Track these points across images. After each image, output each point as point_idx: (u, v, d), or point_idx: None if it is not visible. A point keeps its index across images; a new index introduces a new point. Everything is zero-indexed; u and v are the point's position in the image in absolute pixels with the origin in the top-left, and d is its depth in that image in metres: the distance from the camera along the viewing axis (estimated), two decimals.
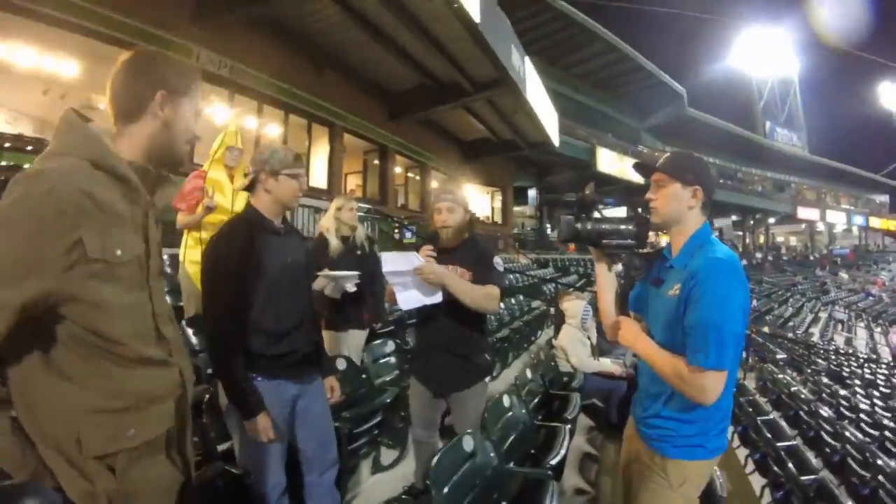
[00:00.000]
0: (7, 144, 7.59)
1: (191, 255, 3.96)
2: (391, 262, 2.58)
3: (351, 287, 3.46)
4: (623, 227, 1.94)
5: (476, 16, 10.47)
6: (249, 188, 2.30)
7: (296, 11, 10.84)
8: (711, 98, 44.48)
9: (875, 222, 55.33)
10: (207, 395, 2.65)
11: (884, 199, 58.87)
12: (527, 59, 15.46)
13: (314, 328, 2.44)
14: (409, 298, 2.62)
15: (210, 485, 2.07)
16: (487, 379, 2.90)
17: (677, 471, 1.86)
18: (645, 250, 2.00)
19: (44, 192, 1.11)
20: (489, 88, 13.91)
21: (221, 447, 2.53)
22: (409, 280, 2.59)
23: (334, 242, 3.75)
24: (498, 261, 2.76)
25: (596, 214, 1.98)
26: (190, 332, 3.65)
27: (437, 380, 2.80)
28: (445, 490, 2.21)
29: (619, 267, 2.08)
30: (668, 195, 1.90)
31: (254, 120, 12.18)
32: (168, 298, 4.22)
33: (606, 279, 2.07)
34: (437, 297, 2.61)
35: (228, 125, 4.27)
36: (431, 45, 11.61)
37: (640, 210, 2.02)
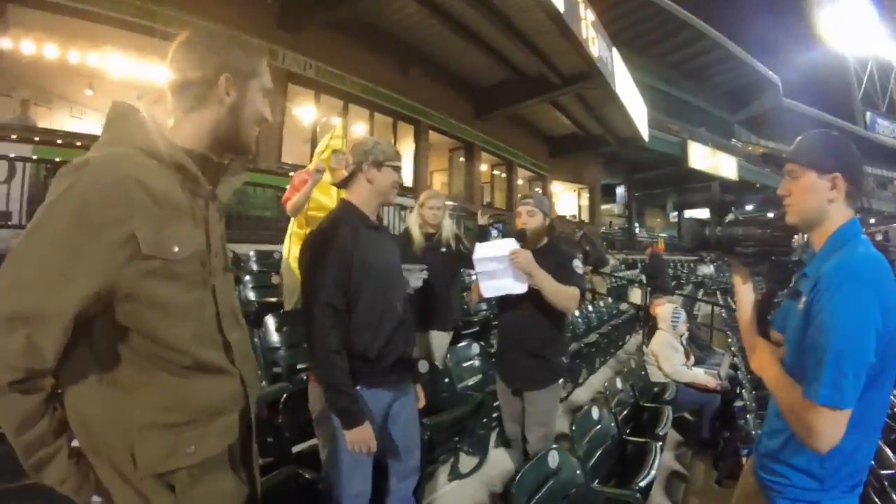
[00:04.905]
0: None
1: (295, 251, 4.00)
2: (485, 249, 2.74)
3: (416, 282, 3.30)
4: (761, 230, 1.63)
5: (560, 6, 10.11)
6: (347, 181, 2.23)
7: (378, 11, 10.91)
8: (807, 87, 41.23)
9: None
10: (285, 395, 2.60)
11: None
12: (614, 50, 14.89)
13: (412, 330, 2.34)
14: (492, 287, 2.76)
15: (281, 489, 2.00)
16: (561, 381, 2.98)
17: None
18: (789, 258, 1.65)
19: (90, 185, 1.01)
20: (577, 82, 13.46)
21: (297, 448, 2.48)
22: (498, 268, 2.69)
23: (417, 238, 3.65)
24: (578, 264, 2.84)
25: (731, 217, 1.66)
26: (272, 326, 3.67)
27: (514, 377, 2.90)
28: None
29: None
30: (801, 187, 1.53)
31: (339, 119, 12.37)
32: (253, 294, 4.35)
33: (744, 293, 1.75)
34: (522, 288, 2.68)
35: (336, 128, 4.31)
36: (516, 38, 11.38)
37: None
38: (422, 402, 2.42)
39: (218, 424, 1.21)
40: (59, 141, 8.02)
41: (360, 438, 1.97)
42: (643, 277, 11.50)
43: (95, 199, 1.00)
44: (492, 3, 10.18)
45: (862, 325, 1.31)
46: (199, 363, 1.17)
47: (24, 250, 1.00)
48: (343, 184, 2.25)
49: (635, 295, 10.94)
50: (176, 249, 1.11)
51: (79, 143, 8.08)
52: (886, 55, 50.68)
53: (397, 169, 2.23)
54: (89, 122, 10.88)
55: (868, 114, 47.92)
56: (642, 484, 2.73)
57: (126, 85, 9.84)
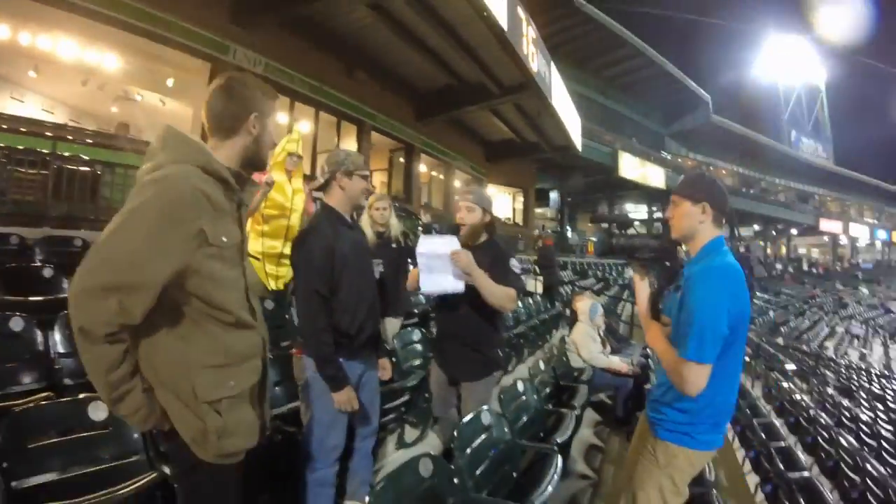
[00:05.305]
0: (69, 137, 8.09)
1: (254, 245, 4.35)
2: (428, 244, 2.80)
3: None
4: (652, 242, 2.25)
5: (504, 23, 10.75)
6: (323, 187, 2.62)
7: (330, 13, 11.16)
8: (737, 105, 44.23)
9: None
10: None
11: None
12: (553, 65, 15.72)
13: (379, 312, 2.79)
14: (430, 283, 2.82)
15: (267, 439, 2.43)
16: (497, 373, 3.16)
17: (664, 451, 2.12)
18: (675, 263, 2.24)
19: (173, 191, 1.41)
20: (515, 92, 14.18)
21: (273, 412, 2.92)
22: (439, 265, 2.76)
23: (370, 236, 4.02)
24: (514, 263, 2.93)
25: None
26: None
27: (452, 368, 3.06)
28: (468, 451, 2.59)
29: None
30: (680, 213, 2.13)
31: (285, 116, 12.58)
32: None
33: (641, 288, 2.28)
34: (459, 287, 2.76)
35: (291, 133, 4.62)
36: (460, 47, 11.92)
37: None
38: (388, 374, 2.89)
39: (248, 366, 1.64)
40: (5, 126, 7.92)
41: (345, 399, 2.44)
42: (536, 268, 12.29)
43: (178, 203, 1.42)
44: (439, 14, 10.67)
45: (716, 307, 1.90)
46: (238, 320, 1.60)
47: (117, 237, 1.35)
48: (320, 190, 2.67)
49: (531, 285, 11.70)
50: (224, 240, 1.54)
51: (23, 129, 8.01)
52: (814, 80, 54.24)
53: (365, 177, 2.65)
54: (30, 106, 10.68)
55: (793, 132, 51.34)
56: (559, 440, 3.31)
57: (72, 68, 9.72)
